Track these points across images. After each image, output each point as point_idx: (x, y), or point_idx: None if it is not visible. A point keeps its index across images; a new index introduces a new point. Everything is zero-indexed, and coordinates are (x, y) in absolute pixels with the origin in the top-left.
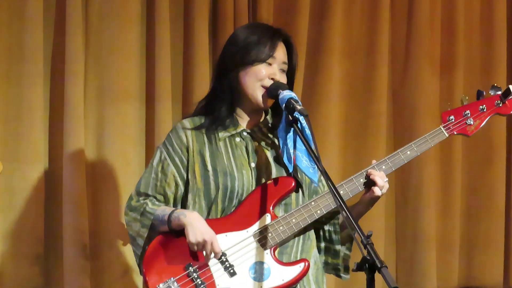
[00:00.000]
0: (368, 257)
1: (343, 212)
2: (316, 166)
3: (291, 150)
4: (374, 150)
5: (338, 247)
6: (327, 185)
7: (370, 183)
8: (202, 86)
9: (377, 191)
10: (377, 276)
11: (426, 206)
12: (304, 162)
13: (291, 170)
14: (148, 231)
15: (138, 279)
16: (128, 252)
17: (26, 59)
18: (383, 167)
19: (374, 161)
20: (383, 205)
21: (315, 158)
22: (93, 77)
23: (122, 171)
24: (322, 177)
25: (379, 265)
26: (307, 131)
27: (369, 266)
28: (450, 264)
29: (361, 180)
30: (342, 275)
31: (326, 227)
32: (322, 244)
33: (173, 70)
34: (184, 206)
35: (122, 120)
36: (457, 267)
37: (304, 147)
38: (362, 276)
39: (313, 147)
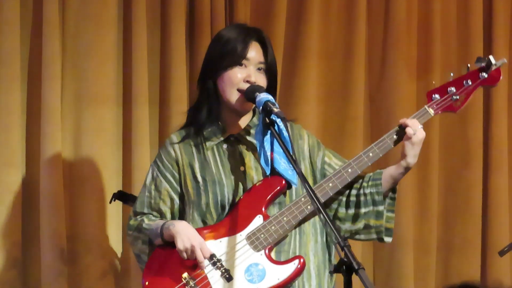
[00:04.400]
0: (345, 259)
1: (321, 214)
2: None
3: (268, 153)
4: (351, 153)
5: (381, 207)
6: (303, 187)
7: (402, 133)
8: (179, 89)
9: (409, 131)
10: (355, 278)
11: (403, 209)
12: (282, 164)
13: (268, 172)
14: (148, 247)
15: (116, 283)
16: (106, 256)
17: (3, 63)
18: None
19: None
20: None
21: (292, 160)
22: (71, 80)
23: (99, 174)
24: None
25: (356, 267)
26: (285, 133)
27: (347, 268)
28: (428, 267)
29: (394, 136)
30: (384, 237)
31: (368, 190)
32: (363, 210)
33: (150, 73)
34: (182, 219)
35: (99, 123)
36: (434, 270)
37: (281, 150)
38: (339, 278)
39: (290, 149)
